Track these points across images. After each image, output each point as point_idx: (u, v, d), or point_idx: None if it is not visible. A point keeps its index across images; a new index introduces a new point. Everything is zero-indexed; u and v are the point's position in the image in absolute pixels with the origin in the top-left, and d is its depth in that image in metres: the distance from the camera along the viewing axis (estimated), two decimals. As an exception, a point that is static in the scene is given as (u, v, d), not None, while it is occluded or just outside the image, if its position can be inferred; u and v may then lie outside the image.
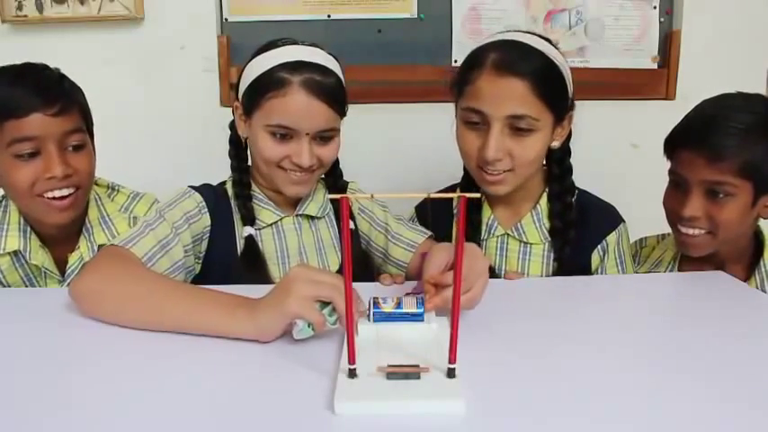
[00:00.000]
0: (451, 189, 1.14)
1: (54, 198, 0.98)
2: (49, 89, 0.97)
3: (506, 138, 0.95)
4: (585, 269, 1.07)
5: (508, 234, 1.07)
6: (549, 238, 1.06)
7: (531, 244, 1.07)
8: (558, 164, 1.06)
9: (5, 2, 1.56)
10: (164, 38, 1.63)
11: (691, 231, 0.99)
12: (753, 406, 0.57)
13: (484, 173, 0.99)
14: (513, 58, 0.94)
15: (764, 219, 1.02)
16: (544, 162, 1.07)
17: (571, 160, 1.07)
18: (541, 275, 1.06)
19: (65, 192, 0.99)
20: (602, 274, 1.07)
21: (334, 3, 1.66)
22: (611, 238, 1.07)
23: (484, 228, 1.08)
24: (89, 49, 1.61)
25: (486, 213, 1.08)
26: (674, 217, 1.02)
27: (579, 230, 1.05)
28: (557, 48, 0.99)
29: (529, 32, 1.00)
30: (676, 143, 1.00)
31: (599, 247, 1.07)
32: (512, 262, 1.07)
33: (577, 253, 1.05)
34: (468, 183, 1.06)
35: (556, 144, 1.02)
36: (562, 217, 1.05)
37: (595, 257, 1.07)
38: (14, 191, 0.99)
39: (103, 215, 1.10)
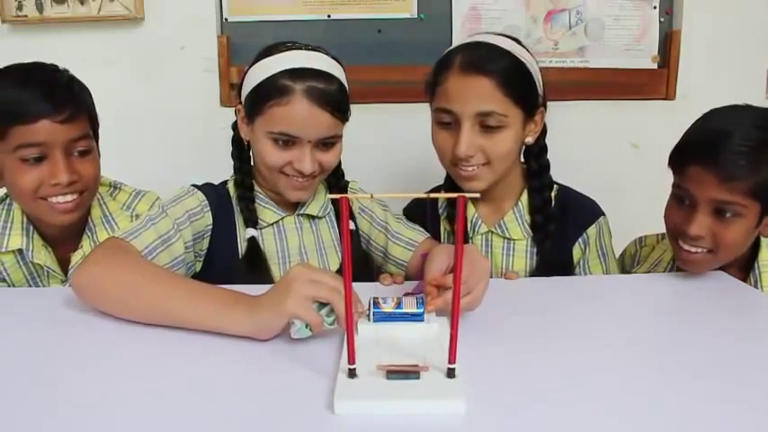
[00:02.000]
0: (435, 191, 1.15)
1: (58, 202, 0.98)
2: (59, 95, 0.96)
3: (477, 135, 0.98)
4: (567, 263, 1.09)
5: (492, 231, 1.09)
6: (531, 234, 1.08)
7: (514, 240, 1.08)
8: (535, 160, 1.08)
9: (5, 2, 1.56)
10: (164, 38, 1.62)
11: (693, 249, 0.96)
12: (753, 406, 0.57)
13: (458, 169, 1.01)
14: (478, 57, 0.97)
15: (765, 237, 1.00)
16: (523, 160, 1.09)
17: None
18: (525, 270, 1.08)
19: (68, 198, 0.99)
20: (584, 266, 1.09)
21: (334, 3, 1.66)
22: (592, 231, 1.09)
23: (469, 226, 1.10)
24: (89, 49, 1.61)
25: (470, 212, 1.10)
26: (676, 232, 0.98)
27: (560, 224, 1.07)
28: (527, 49, 1.02)
29: (499, 34, 1.02)
30: (685, 158, 0.95)
31: (580, 240, 1.09)
32: (496, 259, 1.09)
33: (559, 246, 1.08)
34: (452, 183, 1.08)
35: (529, 140, 1.04)
36: (542, 211, 1.07)
37: (577, 250, 1.09)
38: (19, 194, 0.99)
39: (106, 214, 1.10)
